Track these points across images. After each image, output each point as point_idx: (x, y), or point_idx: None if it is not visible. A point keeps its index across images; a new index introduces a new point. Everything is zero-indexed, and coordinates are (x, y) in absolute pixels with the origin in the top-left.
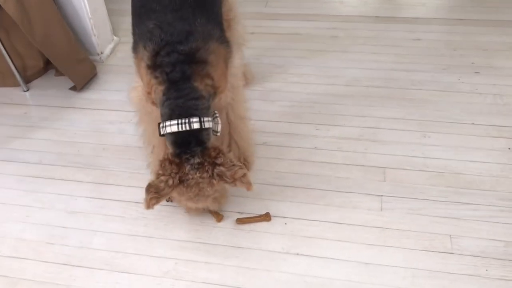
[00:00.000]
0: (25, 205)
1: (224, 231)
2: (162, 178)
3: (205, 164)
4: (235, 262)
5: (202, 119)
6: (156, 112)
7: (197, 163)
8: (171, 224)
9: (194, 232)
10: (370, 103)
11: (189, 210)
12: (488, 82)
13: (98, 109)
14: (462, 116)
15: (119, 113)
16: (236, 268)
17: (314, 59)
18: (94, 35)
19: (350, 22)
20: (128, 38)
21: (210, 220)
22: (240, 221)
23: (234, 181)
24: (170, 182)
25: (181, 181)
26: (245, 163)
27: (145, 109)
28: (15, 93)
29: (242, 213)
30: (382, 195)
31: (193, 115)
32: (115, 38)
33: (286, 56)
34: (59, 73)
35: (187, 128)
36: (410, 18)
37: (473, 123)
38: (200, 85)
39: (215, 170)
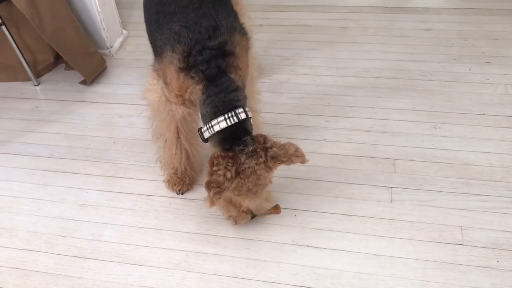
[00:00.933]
0: (36, 198)
1: None
2: (220, 172)
3: (258, 150)
4: (245, 254)
5: (245, 109)
6: (178, 110)
7: (251, 151)
8: (181, 217)
9: (204, 224)
10: (380, 94)
11: (239, 219)
12: (499, 72)
13: (108, 103)
14: (472, 106)
15: (129, 107)
16: (246, 260)
17: (323, 51)
18: (103, 29)
19: (359, 13)
20: (138, 32)
21: (220, 212)
22: None
23: (289, 158)
24: (228, 174)
25: (237, 173)
26: None
27: (165, 110)
28: (26, 87)
29: None
30: (392, 187)
31: (236, 107)
32: (124, 31)
33: (295, 47)
34: (69, 67)
35: (236, 120)
36: (420, 8)
37: (483, 114)
38: (235, 77)
39: (268, 153)
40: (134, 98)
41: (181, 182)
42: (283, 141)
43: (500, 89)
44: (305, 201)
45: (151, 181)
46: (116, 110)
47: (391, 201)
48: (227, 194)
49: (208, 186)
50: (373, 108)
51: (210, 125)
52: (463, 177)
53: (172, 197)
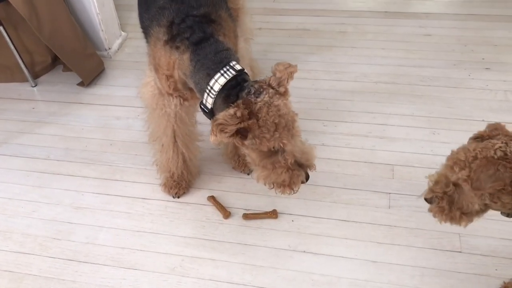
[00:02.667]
0: (32, 200)
1: (230, 228)
2: (230, 110)
3: (264, 86)
4: (241, 259)
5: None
6: (170, 106)
7: (258, 88)
8: (177, 221)
9: (200, 228)
10: (379, 99)
11: (292, 176)
12: (498, 78)
13: (105, 105)
14: (472, 112)
15: (127, 109)
16: (243, 265)
17: (322, 55)
18: (102, 31)
19: (359, 18)
20: (136, 34)
21: (217, 217)
22: (247, 216)
23: (287, 74)
24: (239, 113)
25: (252, 115)
26: None
27: (158, 105)
28: (23, 88)
29: (248, 209)
30: (390, 193)
31: (229, 61)
32: (122, 33)
33: (294, 51)
34: (67, 68)
35: (233, 73)
36: (420, 13)
37: (483, 120)
38: (224, 39)
39: (272, 84)
40: (132, 100)
41: (178, 186)
42: None
43: (499, 95)
44: (303, 206)
45: (148, 184)
46: (114, 112)
47: (389, 207)
48: (263, 146)
49: (215, 122)
50: (372, 113)
51: (209, 88)
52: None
53: (168, 201)
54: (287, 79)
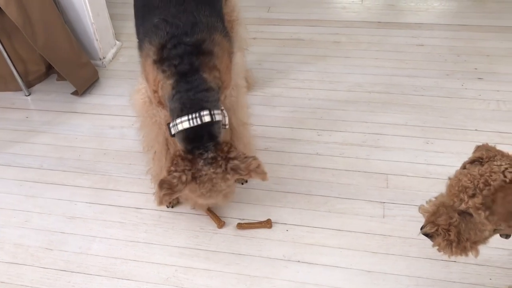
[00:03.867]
0: (24, 210)
1: (224, 238)
2: (175, 174)
3: (219, 159)
4: (235, 269)
5: (212, 112)
6: (159, 115)
7: (211, 158)
8: (171, 230)
9: (194, 238)
10: (373, 109)
11: (196, 207)
12: (491, 88)
13: (99, 114)
14: (465, 122)
15: (121, 118)
16: (237, 275)
17: (316, 65)
18: (96, 40)
19: (353, 28)
20: (131, 43)
21: (211, 226)
22: (241, 226)
23: (249, 173)
24: (184, 178)
25: (193, 178)
26: None
27: (148, 113)
28: (17, 97)
29: (243, 219)
30: (384, 202)
31: (203, 108)
32: (117, 42)
33: (288, 61)
34: (61, 77)
35: (198, 122)
36: (413, 23)
37: (476, 130)
38: (209, 77)
39: (229, 164)
40: (126, 110)
41: None
42: (274, 155)
43: (492, 105)
44: (297, 215)
45: (141, 194)
46: (108, 122)
47: (384, 216)
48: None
49: (161, 185)
50: (366, 122)
51: (175, 122)
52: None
53: (162, 210)
54: (243, 176)
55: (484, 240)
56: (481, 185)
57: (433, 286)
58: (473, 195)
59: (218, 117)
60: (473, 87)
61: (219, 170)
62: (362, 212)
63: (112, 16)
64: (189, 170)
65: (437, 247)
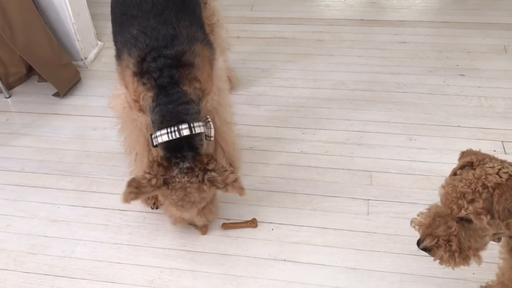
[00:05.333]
0: (6, 214)
1: (209, 239)
2: (147, 176)
3: (196, 169)
4: (221, 270)
5: (192, 125)
6: (141, 119)
7: (186, 168)
8: (155, 232)
9: (179, 239)
10: (356, 107)
11: (175, 222)
12: (473, 84)
13: (81, 115)
14: (448, 118)
15: (103, 119)
16: (222, 276)
17: (300, 63)
18: (78, 40)
19: (336, 26)
20: (112, 43)
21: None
22: (226, 226)
23: (225, 186)
24: (154, 181)
25: (166, 183)
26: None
27: (129, 117)
28: None
29: (228, 219)
30: (368, 199)
31: (183, 121)
32: (99, 43)
33: (272, 60)
34: (42, 79)
35: (177, 136)
36: (396, 21)
37: (458, 126)
38: (189, 89)
39: (206, 176)
40: (108, 111)
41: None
42: (259, 154)
43: (474, 101)
44: (282, 214)
45: None
46: (90, 123)
47: (368, 213)
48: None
49: (129, 183)
50: (350, 120)
51: (155, 134)
52: (438, 189)
53: (146, 212)
54: (220, 188)
55: (484, 245)
56: (479, 189)
57: (417, 282)
58: (472, 200)
59: (198, 130)
60: (455, 83)
61: (194, 179)
62: (347, 210)
63: (94, 16)
64: (162, 175)
65: (438, 261)
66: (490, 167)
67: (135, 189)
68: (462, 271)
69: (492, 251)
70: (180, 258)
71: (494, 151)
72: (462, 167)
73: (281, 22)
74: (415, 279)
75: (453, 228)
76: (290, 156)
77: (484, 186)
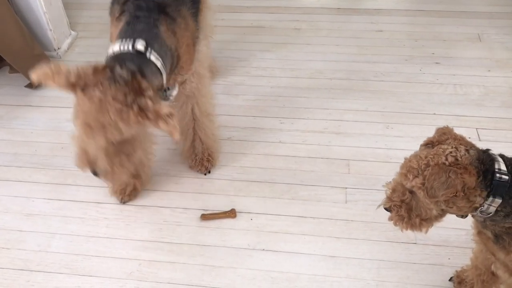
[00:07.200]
0: None
1: (188, 230)
2: (71, 69)
3: (129, 86)
4: (200, 261)
5: (150, 48)
6: None
7: (120, 77)
8: (133, 224)
9: (157, 231)
10: (334, 96)
11: (78, 159)
12: (448, 72)
13: (55, 107)
14: (424, 106)
15: None
16: (202, 267)
17: (277, 52)
18: (50, 30)
19: (313, 14)
20: (87, 33)
21: (174, 219)
22: (205, 217)
23: (157, 118)
24: (72, 77)
25: (85, 87)
26: (209, 158)
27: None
28: None
29: (206, 210)
30: (346, 187)
31: (141, 38)
32: (72, 32)
33: (249, 49)
34: (13, 70)
35: (129, 48)
36: (372, 9)
37: (434, 113)
38: (165, 32)
39: (138, 100)
40: None
41: (122, 192)
42: (237, 144)
43: (449, 89)
44: (261, 204)
45: (101, 188)
46: (64, 115)
47: (346, 201)
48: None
49: (50, 64)
50: (327, 109)
51: (110, 51)
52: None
53: (123, 204)
54: (149, 120)
55: (435, 218)
56: (423, 166)
57: (395, 268)
58: (416, 176)
59: (154, 59)
60: (431, 71)
61: (120, 96)
62: (325, 198)
63: (66, 5)
64: (86, 75)
65: (391, 221)
66: (442, 149)
67: (49, 71)
68: (439, 256)
69: (468, 237)
70: (158, 250)
71: (469, 138)
72: (425, 144)
73: (258, 11)
74: (393, 266)
75: (406, 196)
76: (268, 146)
77: (428, 165)
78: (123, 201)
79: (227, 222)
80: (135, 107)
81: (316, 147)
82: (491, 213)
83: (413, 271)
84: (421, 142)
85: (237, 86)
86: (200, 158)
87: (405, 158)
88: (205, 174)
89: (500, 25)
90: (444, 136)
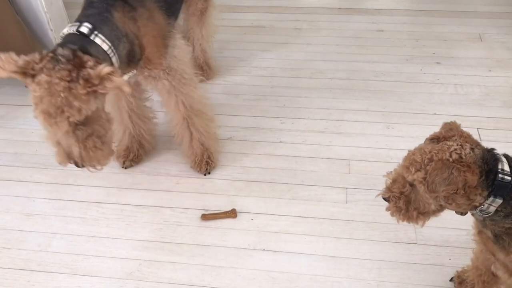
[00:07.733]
0: None
1: (188, 229)
2: (24, 58)
3: (70, 63)
4: (200, 261)
5: (97, 32)
6: None
7: (62, 56)
8: (133, 224)
9: (157, 231)
10: (334, 95)
11: (56, 152)
12: (449, 72)
13: None
14: (424, 106)
15: None
16: (202, 267)
17: (278, 52)
18: (51, 30)
19: (313, 14)
20: None
21: (174, 218)
22: (205, 217)
23: (102, 81)
24: (20, 62)
25: (34, 75)
26: (209, 161)
27: None
28: None
29: (207, 210)
30: (347, 188)
31: (89, 22)
32: None
33: (250, 49)
34: None
35: (74, 29)
36: (373, 9)
37: (435, 113)
38: (120, 18)
39: (81, 73)
40: None
41: (125, 156)
42: (238, 144)
43: (450, 89)
44: (262, 204)
45: (102, 187)
46: None
47: (346, 202)
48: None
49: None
50: (328, 109)
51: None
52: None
53: (124, 204)
54: (97, 86)
55: (433, 213)
56: (426, 161)
57: (396, 269)
58: (418, 170)
59: (99, 41)
60: (432, 71)
61: (64, 73)
62: (325, 198)
63: (67, 5)
64: (34, 62)
65: (389, 211)
66: (447, 145)
67: (1, 60)
68: (439, 256)
69: (469, 237)
70: (159, 250)
71: None
72: (431, 139)
73: (259, 11)
74: (394, 266)
75: (406, 189)
76: (268, 145)
77: (431, 160)
78: (124, 166)
79: (227, 222)
80: (81, 80)
81: (317, 147)
82: (490, 212)
83: (414, 271)
84: (422, 141)
85: (237, 86)
86: (200, 159)
87: (409, 151)
88: (204, 174)
89: (501, 25)
90: (450, 132)
